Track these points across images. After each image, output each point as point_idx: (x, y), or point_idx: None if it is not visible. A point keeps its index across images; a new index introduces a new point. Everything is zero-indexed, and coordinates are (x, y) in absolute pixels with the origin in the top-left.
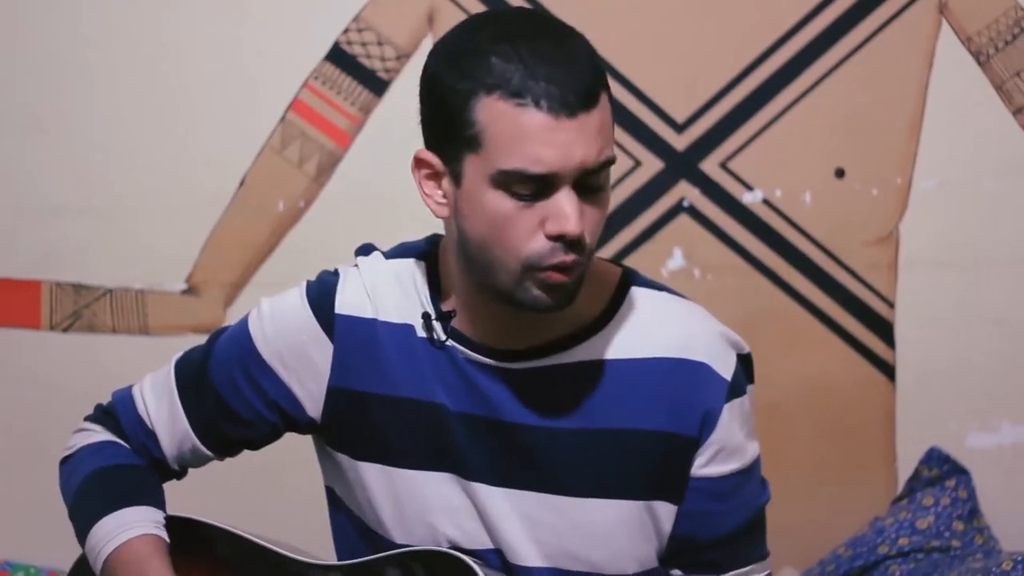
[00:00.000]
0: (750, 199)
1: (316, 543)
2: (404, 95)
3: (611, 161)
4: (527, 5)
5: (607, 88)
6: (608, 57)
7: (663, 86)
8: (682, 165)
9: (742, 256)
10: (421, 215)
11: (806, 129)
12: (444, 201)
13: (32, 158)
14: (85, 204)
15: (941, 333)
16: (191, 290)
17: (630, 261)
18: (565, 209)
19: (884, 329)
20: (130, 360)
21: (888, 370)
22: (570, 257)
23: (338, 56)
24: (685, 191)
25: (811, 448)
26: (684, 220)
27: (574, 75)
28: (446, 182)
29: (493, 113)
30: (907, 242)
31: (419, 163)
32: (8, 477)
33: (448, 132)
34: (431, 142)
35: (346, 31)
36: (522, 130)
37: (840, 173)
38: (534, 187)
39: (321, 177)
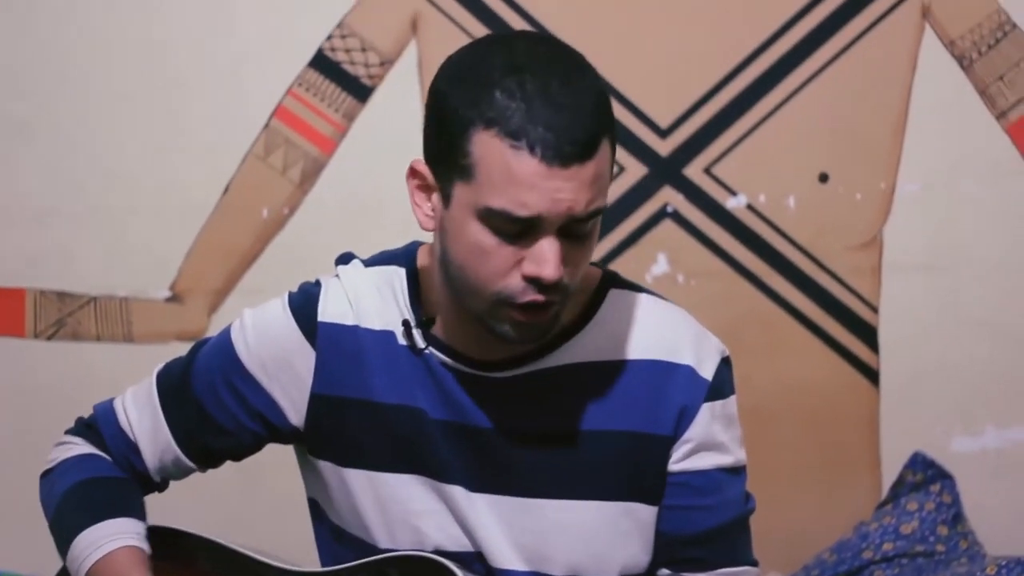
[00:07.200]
0: (734, 204)
1: (298, 549)
2: (388, 102)
3: (600, 211)
4: (527, 27)
5: (610, 133)
6: (592, 61)
7: (647, 91)
8: (666, 170)
9: (726, 261)
10: (405, 220)
11: (790, 134)
12: (432, 214)
13: (15, 164)
14: (69, 211)
15: (925, 337)
16: (175, 297)
17: (614, 266)
18: (546, 255)
19: (868, 333)
20: (115, 368)
21: (872, 375)
22: (542, 297)
23: (322, 62)
24: (669, 196)
25: (795, 453)
26: (668, 225)
27: (575, 123)
28: (436, 198)
29: (488, 149)
30: (891, 246)
31: (414, 172)
32: None
33: (443, 155)
34: (428, 156)
35: (330, 37)
36: (513, 173)
37: (824, 178)
38: (518, 228)
39: (305, 184)
